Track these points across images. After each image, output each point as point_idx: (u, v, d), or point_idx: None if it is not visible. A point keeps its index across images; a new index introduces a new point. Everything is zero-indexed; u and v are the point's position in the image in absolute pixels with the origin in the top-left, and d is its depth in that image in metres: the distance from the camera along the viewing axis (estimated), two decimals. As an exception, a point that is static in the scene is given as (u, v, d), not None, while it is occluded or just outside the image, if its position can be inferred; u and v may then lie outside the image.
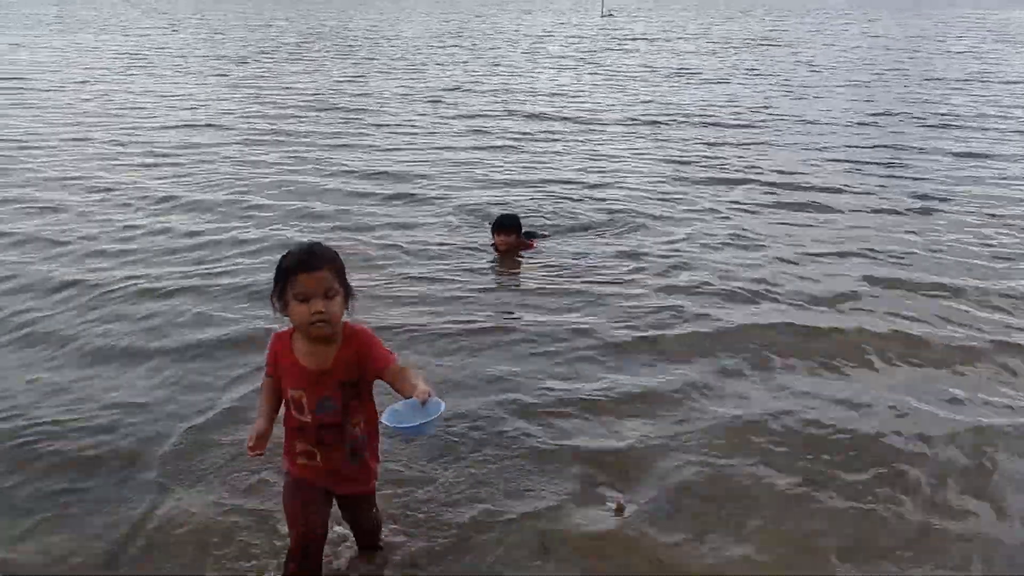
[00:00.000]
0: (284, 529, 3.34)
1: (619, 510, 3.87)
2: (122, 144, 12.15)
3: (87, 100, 16.34)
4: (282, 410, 3.05)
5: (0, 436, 4.38)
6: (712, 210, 8.91)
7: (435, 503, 3.85)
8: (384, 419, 2.71)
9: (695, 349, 5.49)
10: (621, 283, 6.75)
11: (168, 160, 11.12)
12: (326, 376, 2.90)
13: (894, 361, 5.37)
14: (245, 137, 12.79)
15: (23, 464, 4.16)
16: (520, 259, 7.44)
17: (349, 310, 2.91)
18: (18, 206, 8.85)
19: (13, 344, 5.54)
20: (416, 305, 6.24)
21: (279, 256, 2.95)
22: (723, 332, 5.74)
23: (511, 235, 7.36)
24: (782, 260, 7.32)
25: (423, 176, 10.35)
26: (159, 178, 10.10)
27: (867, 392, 4.94)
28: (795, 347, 5.54)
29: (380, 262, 7.14)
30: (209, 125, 13.94)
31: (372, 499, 3.31)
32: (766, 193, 9.66)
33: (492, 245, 7.53)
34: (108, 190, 9.47)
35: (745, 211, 8.91)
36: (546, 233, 8.16)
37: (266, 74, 21.12)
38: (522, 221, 7.68)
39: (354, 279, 2.99)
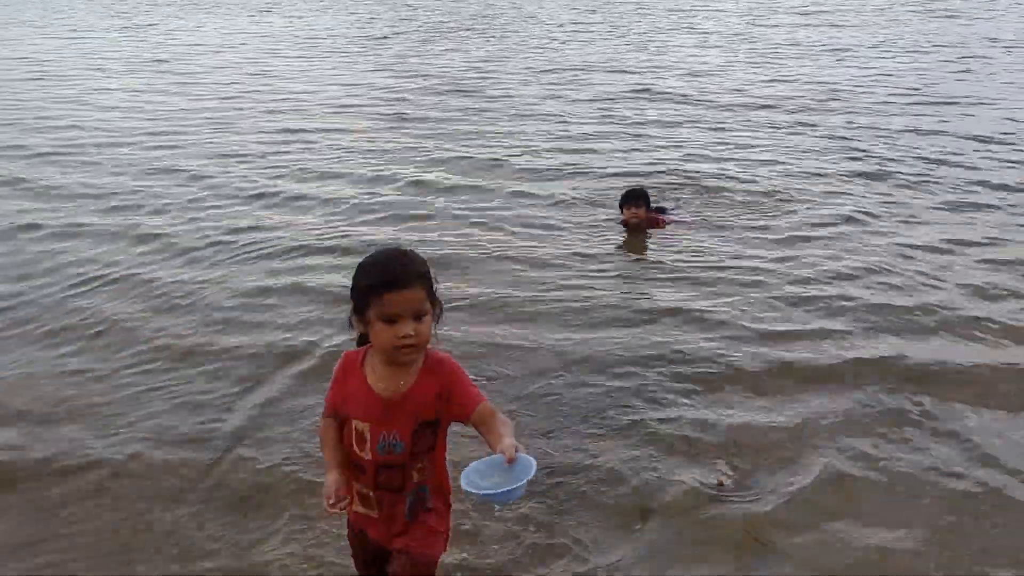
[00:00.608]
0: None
1: (720, 485, 3.79)
2: (263, 131, 12.18)
3: (232, 84, 16.70)
4: None
5: (82, 449, 4.28)
6: (866, 208, 8.02)
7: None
8: (464, 484, 2.27)
9: (835, 378, 4.87)
10: (758, 285, 6.23)
11: (301, 148, 11.05)
12: (397, 408, 2.51)
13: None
14: (377, 123, 12.63)
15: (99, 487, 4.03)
16: (649, 242, 7.18)
17: (437, 326, 2.54)
18: (140, 199, 8.81)
19: (93, 345, 5.48)
20: (536, 305, 5.94)
21: (358, 264, 2.55)
22: (869, 362, 5.03)
23: (640, 207, 7.27)
24: (946, 271, 6.46)
25: (552, 164, 9.89)
26: (291, 171, 9.86)
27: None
28: (958, 387, 4.73)
29: (494, 259, 6.83)
30: (346, 107, 13.93)
31: (423, 565, 2.65)
32: (930, 192, 8.63)
33: (621, 222, 7.39)
34: (239, 181, 9.45)
35: (904, 212, 7.96)
36: (679, 204, 8.02)
37: (409, 53, 21.12)
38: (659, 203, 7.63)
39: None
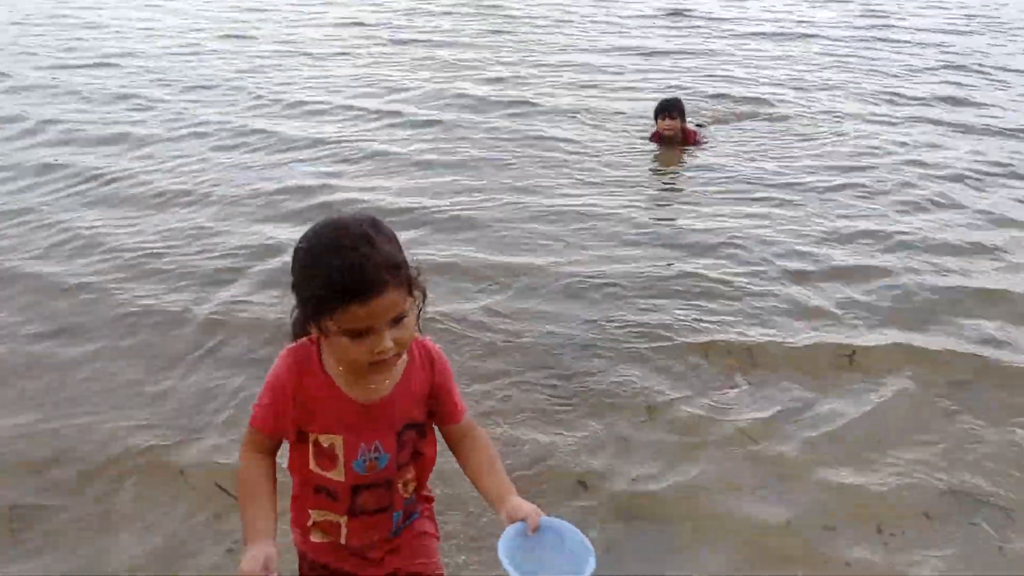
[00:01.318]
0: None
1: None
2: (266, 54, 11.16)
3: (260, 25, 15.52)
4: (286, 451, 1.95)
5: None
6: (913, 157, 6.94)
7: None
8: (508, 568, 1.66)
9: (883, 368, 3.93)
10: (795, 236, 5.35)
11: (305, 76, 9.96)
12: (380, 412, 1.87)
13: None
14: (387, 48, 11.57)
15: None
16: (682, 165, 6.93)
17: (420, 317, 1.84)
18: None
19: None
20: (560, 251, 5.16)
21: (299, 244, 1.75)
22: (922, 352, 4.05)
23: (675, 119, 7.09)
24: (1007, 243, 5.36)
25: (577, 93, 9.02)
26: (289, 105, 8.60)
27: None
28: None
29: (513, 199, 5.97)
30: (361, 24, 13.17)
31: None
32: (998, 141, 7.47)
33: (653, 135, 7.23)
34: (234, 117, 8.16)
35: (963, 165, 6.80)
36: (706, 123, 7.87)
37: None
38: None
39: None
